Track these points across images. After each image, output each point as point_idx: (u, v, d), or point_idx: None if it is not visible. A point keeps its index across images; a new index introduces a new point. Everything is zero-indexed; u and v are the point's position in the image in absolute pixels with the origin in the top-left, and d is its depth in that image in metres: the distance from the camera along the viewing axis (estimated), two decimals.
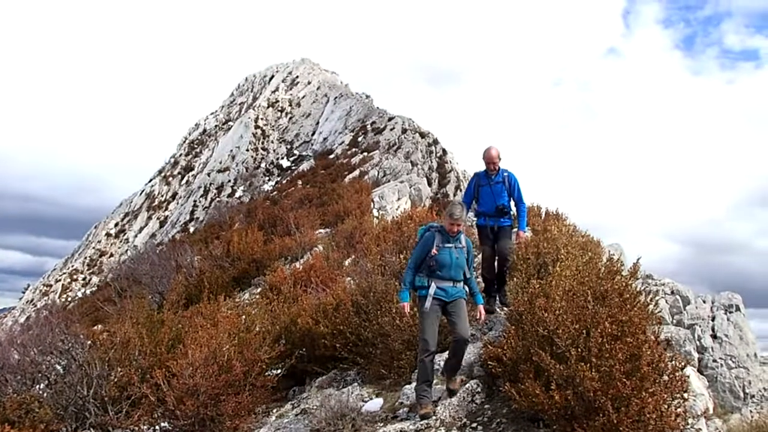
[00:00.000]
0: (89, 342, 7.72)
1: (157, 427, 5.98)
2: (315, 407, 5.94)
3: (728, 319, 7.72)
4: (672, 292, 8.12)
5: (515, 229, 7.57)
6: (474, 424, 5.05)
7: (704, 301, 8.08)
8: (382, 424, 5.38)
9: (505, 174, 7.29)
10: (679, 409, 4.38)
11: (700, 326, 7.58)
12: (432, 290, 5.45)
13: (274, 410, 6.76)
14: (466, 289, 5.70)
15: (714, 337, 7.55)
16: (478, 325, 6.02)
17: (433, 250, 5.48)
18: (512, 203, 7.37)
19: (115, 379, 7.11)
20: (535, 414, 4.63)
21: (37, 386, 7.33)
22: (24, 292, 55.61)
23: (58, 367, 7.21)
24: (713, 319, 7.79)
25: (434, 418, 5.25)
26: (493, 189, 7.25)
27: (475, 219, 7.68)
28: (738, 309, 7.90)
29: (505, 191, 7.26)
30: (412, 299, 5.74)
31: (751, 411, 6.98)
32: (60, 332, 7.61)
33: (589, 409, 4.27)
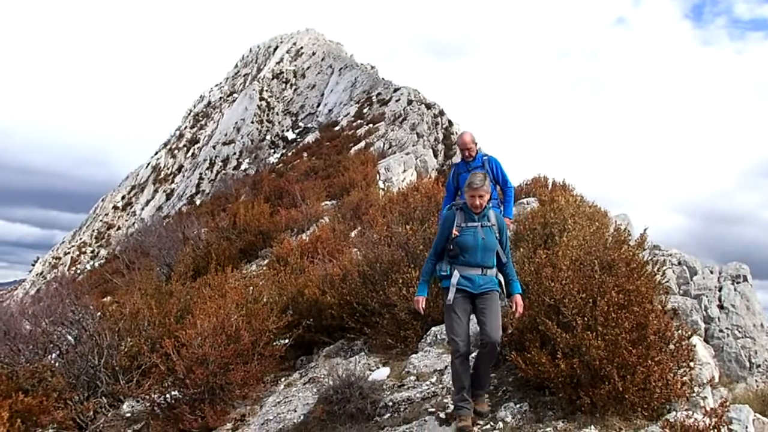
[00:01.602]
0: (99, 313, 7.81)
1: (167, 396, 6.06)
2: (323, 376, 6.01)
3: (735, 290, 7.73)
4: (679, 263, 8.12)
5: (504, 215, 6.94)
6: None
7: (711, 272, 8.08)
8: (389, 393, 5.44)
9: (485, 158, 6.78)
10: (684, 378, 4.41)
11: (707, 296, 7.59)
12: (455, 279, 4.53)
13: (283, 379, 6.85)
14: (500, 278, 4.67)
15: (721, 307, 7.57)
16: (512, 319, 5.09)
17: (454, 231, 4.58)
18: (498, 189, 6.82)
19: (126, 349, 7.22)
20: (540, 382, 4.67)
21: (49, 356, 7.44)
22: (33, 265, 56.16)
23: (69, 338, 7.31)
24: (720, 289, 7.80)
25: (441, 386, 5.30)
26: None
27: None
28: (745, 279, 7.90)
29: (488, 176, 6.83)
30: (434, 292, 5.05)
31: (756, 381, 7.03)
32: (70, 303, 7.69)
33: (594, 377, 4.30)
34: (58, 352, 7.35)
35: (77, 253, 50.40)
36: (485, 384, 4.72)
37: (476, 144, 6.75)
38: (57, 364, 7.14)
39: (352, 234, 12.27)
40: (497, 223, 4.67)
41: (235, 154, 45.55)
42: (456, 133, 34.62)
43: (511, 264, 4.76)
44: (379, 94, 38.97)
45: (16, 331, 7.54)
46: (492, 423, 4.53)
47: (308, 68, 54.74)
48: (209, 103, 62.59)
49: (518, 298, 4.65)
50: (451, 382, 4.87)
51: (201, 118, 60.15)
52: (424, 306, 4.76)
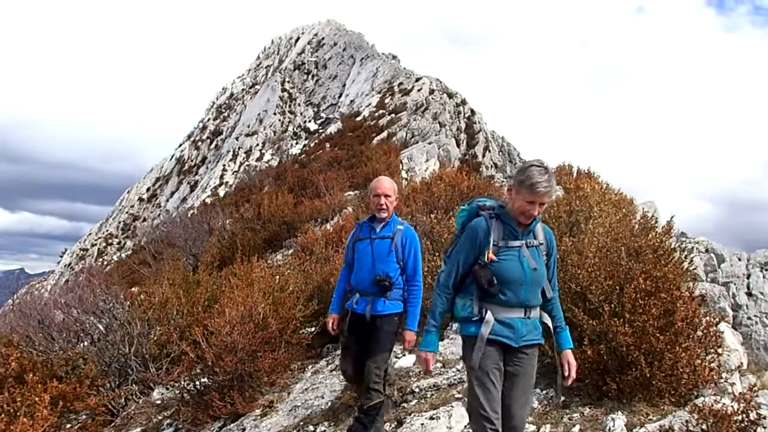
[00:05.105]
0: (128, 302, 7.97)
1: (197, 383, 6.17)
2: None
3: (764, 277, 7.63)
4: (706, 250, 8.03)
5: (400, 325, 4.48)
6: None
7: (739, 259, 7.99)
8: (415, 379, 5.49)
9: (400, 227, 4.35)
10: (712, 364, 4.39)
11: (735, 284, 7.51)
12: (488, 327, 3.00)
13: (310, 366, 6.93)
14: (546, 320, 3.25)
15: (749, 294, 7.48)
16: (559, 390, 3.76)
17: (488, 254, 3.02)
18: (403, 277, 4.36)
19: (155, 338, 7.36)
20: None
21: (82, 344, 7.61)
22: (62, 256, 57.29)
23: (100, 326, 7.48)
24: (748, 276, 7.70)
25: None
26: (374, 247, 4.32)
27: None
28: None
29: (393, 254, 4.28)
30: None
31: None
32: (101, 293, 7.86)
33: (621, 363, 4.30)
34: (89, 340, 7.52)
35: (104, 244, 51.29)
36: None
37: (395, 199, 4.39)
38: (89, 352, 7.31)
39: None
40: (546, 241, 3.26)
41: (258, 145, 45.87)
42: (478, 122, 34.45)
43: (557, 301, 3.30)
44: (400, 83, 38.92)
45: (50, 320, 7.72)
46: None
47: (329, 59, 54.79)
48: (232, 95, 63.01)
49: (570, 355, 3.19)
50: None
51: (224, 110, 60.62)
52: (432, 365, 3.27)
